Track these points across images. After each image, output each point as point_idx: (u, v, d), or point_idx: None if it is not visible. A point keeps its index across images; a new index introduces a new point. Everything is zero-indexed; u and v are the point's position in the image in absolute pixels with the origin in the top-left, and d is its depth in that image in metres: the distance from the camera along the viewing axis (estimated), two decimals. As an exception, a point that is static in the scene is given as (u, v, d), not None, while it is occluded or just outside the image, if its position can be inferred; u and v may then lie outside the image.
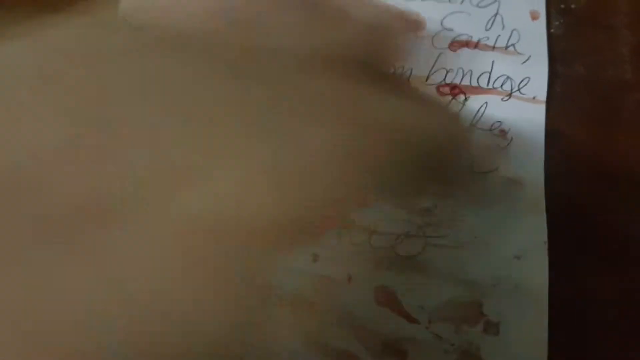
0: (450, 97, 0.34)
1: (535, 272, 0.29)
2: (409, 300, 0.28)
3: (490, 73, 0.35)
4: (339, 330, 0.27)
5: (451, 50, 0.36)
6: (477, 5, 0.37)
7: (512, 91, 0.34)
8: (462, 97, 0.34)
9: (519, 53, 0.35)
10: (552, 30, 0.37)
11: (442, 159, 0.20)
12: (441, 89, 0.34)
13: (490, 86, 0.34)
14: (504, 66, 0.35)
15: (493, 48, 0.36)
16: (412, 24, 0.36)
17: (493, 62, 0.35)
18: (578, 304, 0.29)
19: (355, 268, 0.29)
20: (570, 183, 0.32)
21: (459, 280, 0.29)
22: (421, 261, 0.29)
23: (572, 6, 0.37)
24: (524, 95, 0.34)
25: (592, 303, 0.29)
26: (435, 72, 0.35)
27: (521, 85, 0.34)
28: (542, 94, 0.34)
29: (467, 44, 0.36)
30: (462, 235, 0.30)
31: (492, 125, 0.33)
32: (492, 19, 0.37)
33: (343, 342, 0.27)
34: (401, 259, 0.29)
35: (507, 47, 0.36)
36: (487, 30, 0.36)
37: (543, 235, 0.30)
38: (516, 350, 0.27)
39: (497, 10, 0.37)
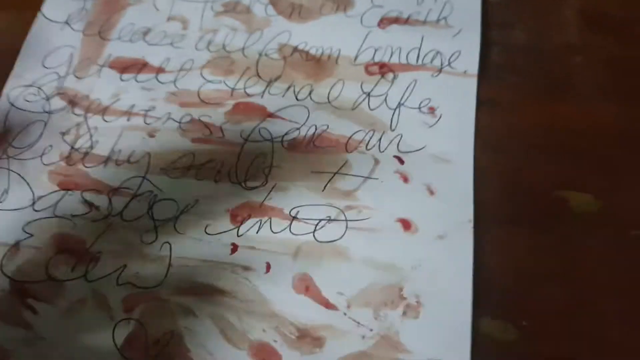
0: (379, 76, 0.33)
1: (459, 252, 0.28)
2: (327, 286, 0.27)
3: (419, 49, 0.34)
4: (255, 321, 0.27)
5: (380, 27, 0.35)
6: (410, -20, 0.36)
7: (442, 66, 0.33)
8: (390, 75, 0.33)
9: (450, 26, 0.34)
10: (490, -3, 0.36)
11: None
12: (369, 68, 0.33)
13: (419, 62, 0.33)
14: (434, 41, 0.34)
15: (424, 23, 0.34)
16: (342, 3, 0.35)
17: (423, 38, 0.34)
18: (509, 280, 0.28)
19: (274, 256, 0.28)
20: (505, 155, 0.31)
21: (379, 264, 0.28)
22: (341, 246, 0.28)
23: (511, -29, 0.36)
24: (454, 70, 0.33)
25: (525, 278, 0.28)
26: (364, 51, 0.34)
27: (451, 59, 0.33)
28: (474, 68, 0.33)
29: (396, 20, 0.35)
30: (383, 218, 0.29)
31: (420, 103, 0.32)
32: (425, -8, 0.35)
33: (259, 332, 0.27)
34: (321, 245, 0.28)
35: (438, 21, 0.34)
36: (418, 4, 0.35)
37: (469, 214, 0.29)
38: (437, 335, 0.26)
39: (431, -17, 0.36)
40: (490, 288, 0.27)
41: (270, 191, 0.30)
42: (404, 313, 0.27)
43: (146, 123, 0.32)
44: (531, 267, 0.28)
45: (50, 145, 0.31)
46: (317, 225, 0.29)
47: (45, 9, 0.36)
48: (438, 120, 0.31)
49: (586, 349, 0.26)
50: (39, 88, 0.33)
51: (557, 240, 0.29)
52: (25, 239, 0.29)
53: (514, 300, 0.27)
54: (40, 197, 0.30)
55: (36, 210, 0.30)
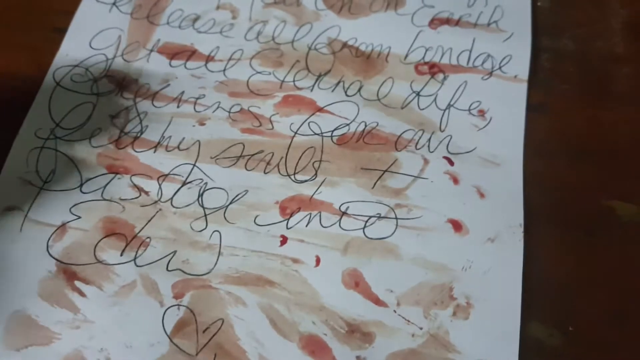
0: (428, 76, 0.33)
1: (510, 255, 0.28)
2: (377, 283, 0.28)
3: (470, 51, 0.34)
4: (305, 314, 0.27)
5: (431, 27, 0.35)
6: (461, -19, 0.36)
7: (492, 70, 0.33)
8: (440, 75, 0.33)
9: (501, 30, 0.34)
10: (539, 4, 0.36)
11: None
12: (419, 68, 0.33)
13: (470, 65, 0.33)
14: (485, 44, 0.34)
15: (475, 25, 0.35)
16: (393, 2, 0.35)
17: (474, 40, 0.34)
18: (556, 285, 0.28)
19: (324, 250, 0.28)
20: (553, 161, 0.31)
21: (429, 263, 0.28)
22: (391, 244, 0.28)
23: (561, -22, 0.36)
24: (505, 74, 0.33)
25: (572, 283, 0.28)
26: (414, 50, 0.34)
27: (502, 63, 0.33)
28: (524, 73, 0.33)
29: (447, 21, 0.35)
30: (433, 218, 0.29)
31: (470, 105, 0.32)
32: (476, -5, 0.35)
33: (308, 324, 0.27)
34: (371, 242, 0.28)
35: (489, 24, 0.34)
36: (469, 6, 0.35)
37: (519, 218, 0.29)
38: (487, 336, 0.26)
39: (481, -14, 0.36)
40: (537, 292, 0.28)
41: (320, 185, 0.30)
42: (454, 313, 0.27)
43: (196, 111, 0.32)
44: (578, 273, 0.28)
45: (99, 128, 0.31)
46: (367, 221, 0.29)
47: (92, -11, 0.36)
48: (488, 123, 0.31)
49: (631, 357, 0.27)
50: (86, 69, 0.33)
51: (604, 247, 0.29)
52: (72, 220, 0.29)
53: (561, 305, 0.28)
54: (88, 180, 0.30)
55: (84, 192, 0.30)
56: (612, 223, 0.30)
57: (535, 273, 0.28)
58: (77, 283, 0.27)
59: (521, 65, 0.33)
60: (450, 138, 0.31)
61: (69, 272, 0.28)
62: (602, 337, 0.27)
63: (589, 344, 0.27)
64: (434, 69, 0.33)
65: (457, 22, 0.34)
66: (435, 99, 0.32)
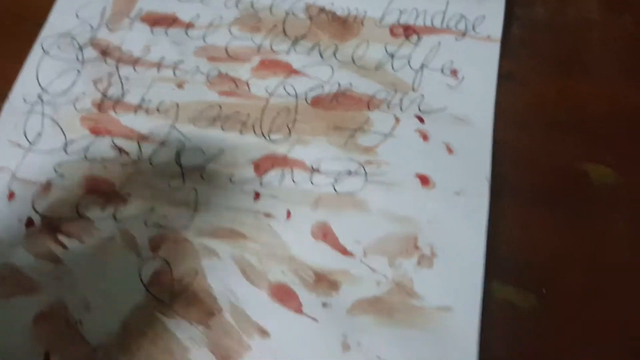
0: (403, 38, 0.34)
1: (475, 207, 0.29)
2: (345, 235, 0.28)
3: (444, 12, 0.34)
4: (274, 264, 0.28)
5: (406, -10, 0.35)
6: (437, -55, 0.36)
7: (466, 30, 0.33)
8: (415, 37, 0.34)
9: (475, -9, 0.35)
10: (513, -31, 0.36)
11: None
12: (394, 30, 0.34)
13: (444, 26, 0.34)
14: (459, 5, 0.34)
15: (449, -13, 0.35)
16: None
17: (448, 2, 0.34)
18: (532, 248, 0.29)
19: (295, 205, 0.29)
20: (523, 128, 0.31)
21: (396, 216, 0.29)
22: (360, 198, 0.29)
23: (534, -58, 0.36)
24: (478, 34, 0.33)
25: (548, 245, 0.29)
26: (389, 13, 0.35)
27: (476, 23, 0.34)
28: (497, 33, 0.33)
29: (422, -16, 0.35)
30: (402, 173, 0.30)
31: (443, 66, 0.33)
32: (451, -42, 0.36)
33: (278, 274, 0.28)
34: (340, 196, 0.29)
35: (464, -14, 0.35)
36: (445, -31, 0.35)
37: (486, 172, 0.29)
38: (450, 284, 0.27)
39: (457, -51, 0.36)
40: (511, 256, 0.28)
41: (294, 144, 0.31)
42: (418, 262, 0.28)
43: (175, 75, 0.33)
44: (553, 235, 0.29)
45: (83, 92, 0.33)
46: (337, 177, 0.30)
47: (80, -37, 0.37)
48: (460, 82, 0.32)
49: (605, 318, 0.27)
50: (73, 38, 0.34)
51: (578, 212, 0.29)
52: (56, 178, 0.30)
53: (535, 267, 0.28)
54: (72, 141, 0.31)
55: (68, 153, 0.31)
56: (585, 186, 0.30)
57: (509, 237, 0.28)
58: (60, 236, 0.29)
59: (494, 25, 0.33)
60: (423, 98, 0.32)
61: (52, 226, 0.29)
62: (575, 298, 0.27)
63: (563, 306, 0.27)
64: (408, 31, 0.34)
65: (432, -15, 0.35)
66: (409, 60, 0.33)
